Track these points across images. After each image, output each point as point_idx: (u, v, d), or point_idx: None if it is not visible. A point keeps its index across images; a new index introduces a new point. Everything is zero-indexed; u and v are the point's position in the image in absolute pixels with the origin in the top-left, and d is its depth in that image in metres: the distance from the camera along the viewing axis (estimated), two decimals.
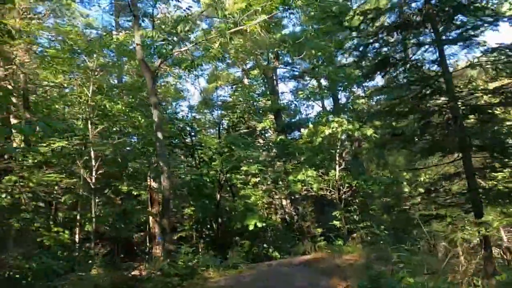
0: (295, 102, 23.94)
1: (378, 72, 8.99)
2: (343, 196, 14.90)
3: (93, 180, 14.21)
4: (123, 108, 16.32)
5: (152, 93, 10.06)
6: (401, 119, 9.03)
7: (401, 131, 9.19)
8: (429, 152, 8.61)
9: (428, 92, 8.02)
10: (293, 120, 22.10)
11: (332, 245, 18.86)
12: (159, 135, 10.00)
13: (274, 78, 20.90)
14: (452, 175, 8.89)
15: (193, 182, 14.09)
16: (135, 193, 17.24)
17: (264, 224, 13.05)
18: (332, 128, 13.26)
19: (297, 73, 21.53)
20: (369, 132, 13.25)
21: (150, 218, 17.02)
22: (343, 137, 15.63)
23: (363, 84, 14.50)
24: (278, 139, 16.18)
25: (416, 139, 8.75)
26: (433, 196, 9.31)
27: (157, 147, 10.12)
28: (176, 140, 15.85)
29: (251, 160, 15.89)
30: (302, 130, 16.74)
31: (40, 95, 17.11)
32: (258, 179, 16.67)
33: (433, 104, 8.55)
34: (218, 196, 15.64)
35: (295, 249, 15.33)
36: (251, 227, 12.94)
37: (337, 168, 14.35)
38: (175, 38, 10.24)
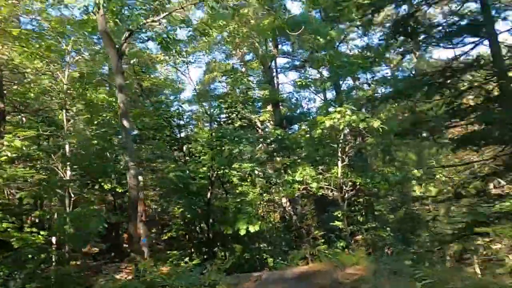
0: (295, 95, 21.93)
1: (397, 38, 6.81)
2: (346, 195, 12.77)
3: (68, 176, 12.28)
4: (107, 97, 14.37)
5: (117, 73, 8.04)
6: (424, 101, 6.88)
7: (425, 118, 7.05)
8: (463, 143, 6.50)
9: (463, 62, 5.88)
10: (294, 114, 19.99)
11: (334, 247, 16.87)
12: (125, 123, 7.98)
13: (273, 67, 18.84)
14: (490, 175, 6.74)
15: (179, 178, 12.03)
16: (120, 191, 15.26)
17: (257, 229, 10.98)
18: (334, 119, 11.15)
19: (297, 63, 19.42)
20: (376, 123, 11.16)
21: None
22: (346, 130, 13.61)
23: (370, 70, 12.32)
24: (275, 132, 14.09)
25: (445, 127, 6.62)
26: (465, 203, 7.13)
27: (122, 138, 8.07)
28: (165, 133, 13.76)
29: (245, 156, 13.89)
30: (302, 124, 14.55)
31: (19, 83, 15.12)
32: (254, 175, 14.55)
33: (468, 80, 6.40)
34: (209, 194, 13.63)
35: (292, 254, 13.26)
36: (242, 232, 10.88)
37: (340, 164, 12.24)
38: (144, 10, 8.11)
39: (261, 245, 15.67)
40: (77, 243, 9.41)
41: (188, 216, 12.94)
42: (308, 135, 13.13)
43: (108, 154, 15.04)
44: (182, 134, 14.70)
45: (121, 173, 16.12)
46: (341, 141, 12.20)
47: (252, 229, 11.30)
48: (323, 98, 21.86)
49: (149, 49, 17.62)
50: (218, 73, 18.95)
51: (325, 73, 20.54)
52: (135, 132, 14.42)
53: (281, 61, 22.07)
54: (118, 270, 19.21)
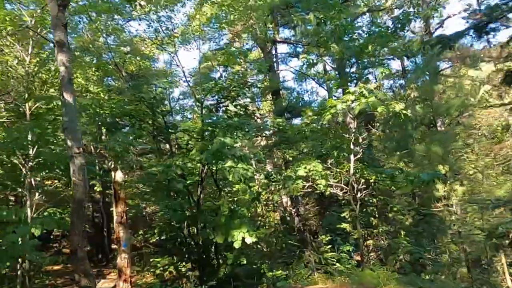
0: (297, 88, 19.43)
1: None
2: (359, 195, 10.20)
3: (27, 170, 9.74)
4: (83, 81, 11.87)
5: (57, 25, 5.52)
6: None
7: None
8: None
9: None
10: (295, 106, 17.39)
11: (340, 251, 14.40)
12: (67, 96, 5.45)
13: (273, 53, 16.30)
14: None
15: (162, 174, 9.48)
16: (99, 189, 12.75)
17: (255, 239, 8.36)
18: (347, 101, 8.61)
19: (300, 50, 16.87)
20: (398, 107, 8.68)
21: (115, 218, 12.49)
22: (351, 119, 11.11)
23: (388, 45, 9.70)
24: (277, 121, 11.56)
25: None
26: None
27: (63, 116, 5.51)
28: (147, 121, 11.15)
29: (242, 150, 11.30)
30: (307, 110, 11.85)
31: None
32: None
33: None
34: (199, 192, 11.13)
35: (294, 265, 10.72)
36: (237, 244, 8.30)
37: (352, 158, 9.68)
38: None
39: (259, 248, 13.26)
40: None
41: (171, 220, 10.33)
42: (314, 125, 10.56)
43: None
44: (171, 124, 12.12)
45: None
46: (354, 129, 9.65)
47: (250, 238, 8.62)
48: (326, 88, 19.38)
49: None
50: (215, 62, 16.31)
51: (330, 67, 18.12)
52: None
53: (282, 50, 19.65)
54: (101, 275, 16.76)
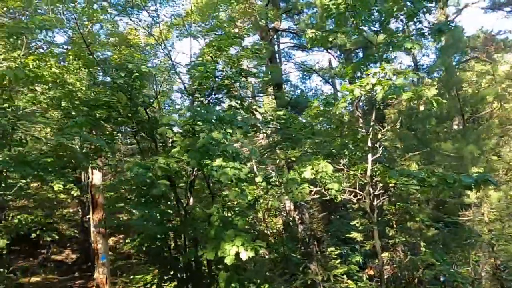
0: (300, 86, 17.34)
1: None
2: (376, 202, 8.05)
3: None
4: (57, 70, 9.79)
5: None
6: None
7: None
8: None
9: None
10: (299, 101, 15.26)
11: (349, 263, 12.31)
12: None
13: (275, 43, 14.22)
14: None
15: (138, 177, 7.38)
16: (76, 194, 10.58)
17: (252, 254, 6.19)
18: (367, 85, 6.51)
19: (304, 41, 14.76)
20: (430, 92, 6.62)
21: (91, 227, 10.41)
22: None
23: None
24: (277, 114, 9.42)
25: None
26: None
27: None
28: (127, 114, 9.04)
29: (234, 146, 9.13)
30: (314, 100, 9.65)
31: None
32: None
33: None
34: (187, 198, 9.06)
35: (298, 284, 8.55)
36: (229, 260, 6.17)
37: (370, 158, 7.54)
38: None
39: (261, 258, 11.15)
40: None
41: (150, 233, 8.16)
42: (322, 118, 8.46)
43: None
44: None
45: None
46: (372, 122, 7.51)
47: (246, 252, 6.43)
48: (332, 84, 17.32)
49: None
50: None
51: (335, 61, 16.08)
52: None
53: (284, 46, 17.61)
54: None
